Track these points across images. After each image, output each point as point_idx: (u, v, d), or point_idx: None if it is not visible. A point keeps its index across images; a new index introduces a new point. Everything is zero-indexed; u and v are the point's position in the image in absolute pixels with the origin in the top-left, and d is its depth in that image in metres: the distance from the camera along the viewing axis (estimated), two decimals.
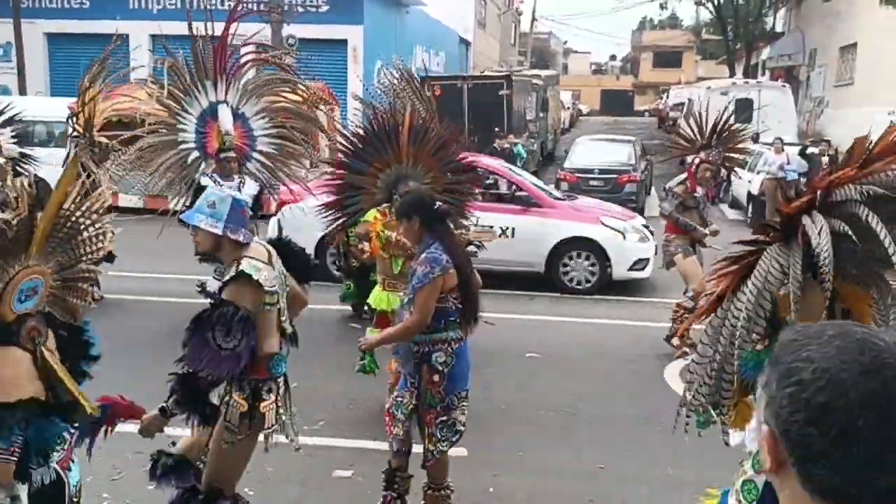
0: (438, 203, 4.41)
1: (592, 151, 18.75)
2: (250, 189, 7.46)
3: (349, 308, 8.57)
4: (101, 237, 2.85)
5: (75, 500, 2.85)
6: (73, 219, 2.76)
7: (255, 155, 7.72)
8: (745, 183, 16.31)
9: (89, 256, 2.84)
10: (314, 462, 5.16)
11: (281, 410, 3.73)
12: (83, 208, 2.78)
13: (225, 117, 7.39)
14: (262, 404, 3.64)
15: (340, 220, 6.43)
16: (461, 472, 4.81)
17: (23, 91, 20.44)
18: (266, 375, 3.68)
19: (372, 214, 5.79)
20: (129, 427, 4.12)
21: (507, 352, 7.62)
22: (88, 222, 2.80)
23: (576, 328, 8.68)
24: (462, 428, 4.34)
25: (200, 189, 7.27)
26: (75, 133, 8.70)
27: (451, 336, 4.25)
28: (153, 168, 7.38)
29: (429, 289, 4.11)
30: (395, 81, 7.20)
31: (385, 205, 5.84)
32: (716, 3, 39.96)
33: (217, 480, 3.78)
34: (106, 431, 3.55)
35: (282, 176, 7.93)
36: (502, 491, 4.90)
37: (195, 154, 7.44)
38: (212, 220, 3.60)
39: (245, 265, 3.54)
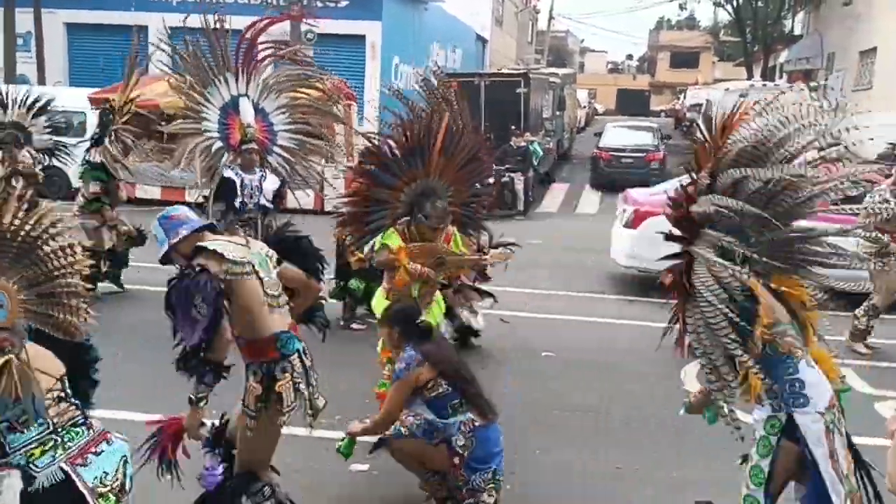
0: (422, 318, 4.63)
1: (622, 135, 22.52)
2: (272, 183, 7.49)
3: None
4: (69, 250, 2.84)
5: (103, 489, 2.83)
6: (23, 234, 2.74)
7: (276, 149, 7.75)
8: None
9: (64, 270, 2.83)
10: (332, 455, 5.16)
11: (301, 387, 3.81)
12: (32, 222, 2.75)
13: (246, 110, 7.45)
14: (278, 384, 3.73)
15: (361, 237, 5.87)
16: None
17: (42, 81, 20.56)
18: (276, 356, 3.77)
19: (395, 240, 5.44)
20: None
21: (523, 351, 7.61)
22: (46, 236, 2.79)
23: (592, 328, 8.66)
24: None
25: (224, 181, 7.30)
26: (109, 125, 8.81)
27: (461, 419, 4.34)
28: (183, 150, 7.43)
29: (397, 385, 4.35)
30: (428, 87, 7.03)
31: (404, 220, 5.51)
32: (735, 4, 39.76)
33: (249, 465, 3.88)
34: (166, 453, 3.78)
35: (301, 171, 7.96)
36: (520, 489, 4.90)
37: (219, 144, 7.48)
38: (161, 247, 3.76)
39: (201, 242, 3.69)
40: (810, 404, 3.41)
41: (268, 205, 7.45)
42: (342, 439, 4.51)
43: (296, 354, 3.82)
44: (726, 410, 3.35)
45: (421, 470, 4.48)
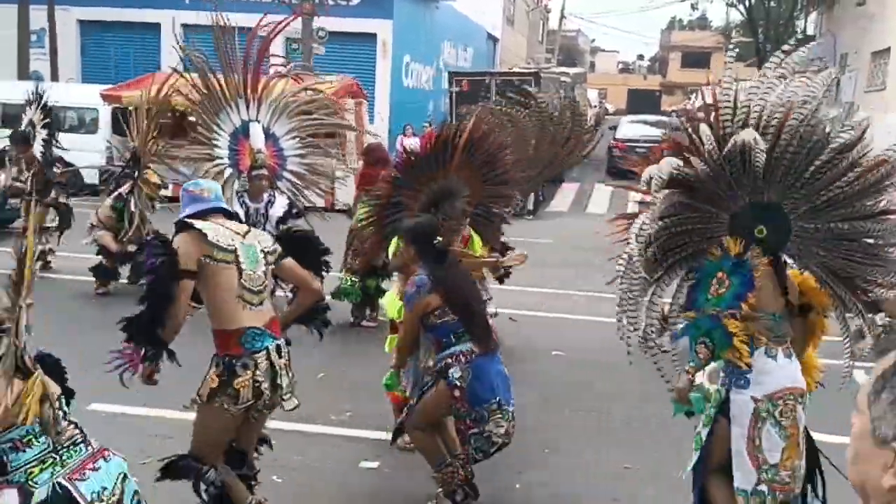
0: (439, 238, 4.47)
1: (636, 128, 25.34)
2: (279, 209, 7.37)
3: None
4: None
5: (111, 500, 2.90)
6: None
7: (286, 174, 7.67)
8: None
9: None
10: (341, 453, 5.19)
11: (264, 386, 3.75)
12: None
13: (257, 135, 7.37)
14: (236, 381, 3.69)
15: (378, 238, 5.91)
16: (487, 470, 4.82)
17: (55, 77, 20.66)
18: (239, 351, 3.72)
19: None
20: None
21: (532, 350, 7.62)
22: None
23: (602, 327, 8.64)
24: (499, 440, 4.36)
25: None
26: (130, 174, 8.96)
27: (461, 349, 4.33)
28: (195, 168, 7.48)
29: (407, 312, 4.40)
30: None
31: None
32: (747, 4, 39.59)
33: (198, 453, 3.90)
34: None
35: (311, 195, 7.86)
36: (528, 489, 4.91)
37: (230, 171, 7.46)
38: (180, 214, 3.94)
39: (193, 221, 3.79)
40: (749, 388, 3.53)
41: (273, 232, 7.35)
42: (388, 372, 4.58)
43: (263, 352, 3.77)
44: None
45: (439, 455, 4.45)
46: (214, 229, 3.78)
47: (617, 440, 5.72)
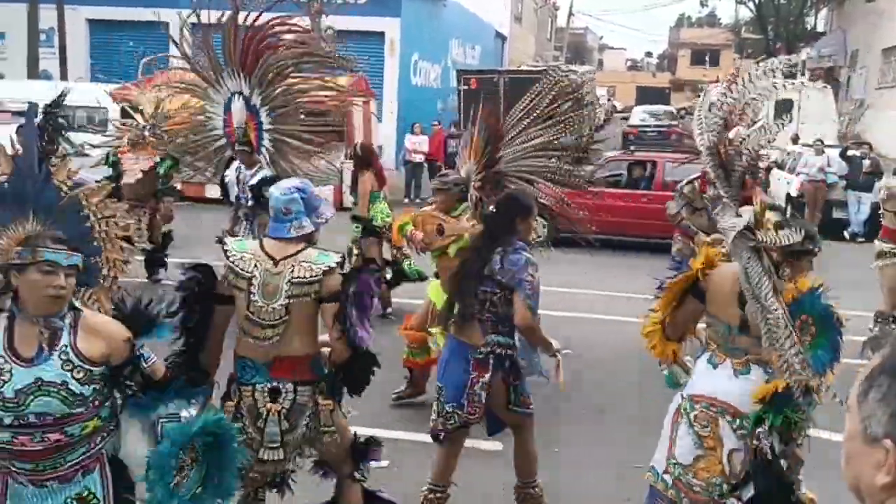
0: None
1: (647, 115, 31.59)
2: (254, 179, 7.28)
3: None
4: None
5: None
6: None
7: (262, 149, 7.42)
8: (784, 184, 16.09)
9: None
10: None
11: (245, 423, 3.50)
12: None
13: (235, 110, 7.07)
14: (225, 404, 3.56)
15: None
16: (496, 467, 4.81)
17: (64, 76, 20.73)
18: (235, 376, 3.59)
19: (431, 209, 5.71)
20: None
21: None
22: None
23: (612, 325, 8.63)
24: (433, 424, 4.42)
25: (221, 178, 7.35)
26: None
27: None
28: (190, 143, 7.44)
29: None
30: None
31: (466, 204, 5.76)
32: (757, 1, 39.50)
33: None
34: None
35: (286, 169, 7.14)
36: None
37: (223, 141, 7.31)
38: None
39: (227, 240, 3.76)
40: (686, 386, 3.71)
41: (249, 200, 7.29)
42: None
43: (250, 388, 3.50)
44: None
45: (443, 475, 4.46)
46: (242, 253, 3.52)
47: (623, 439, 5.69)
